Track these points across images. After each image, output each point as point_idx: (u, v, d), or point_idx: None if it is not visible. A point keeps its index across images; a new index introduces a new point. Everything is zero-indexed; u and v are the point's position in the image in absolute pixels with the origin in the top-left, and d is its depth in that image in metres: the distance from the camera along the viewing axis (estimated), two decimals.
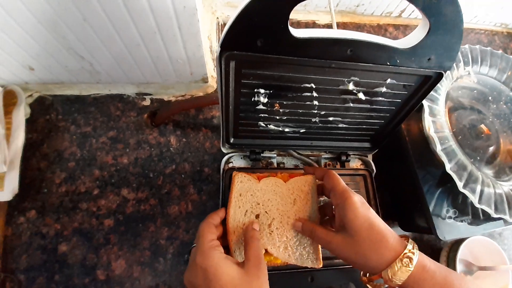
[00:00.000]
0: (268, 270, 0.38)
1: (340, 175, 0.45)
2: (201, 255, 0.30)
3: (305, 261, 0.37)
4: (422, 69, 0.33)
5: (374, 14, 0.75)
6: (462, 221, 0.47)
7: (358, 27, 0.75)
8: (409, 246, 0.30)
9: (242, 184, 0.39)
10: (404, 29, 0.78)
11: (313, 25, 0.72)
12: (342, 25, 0.74)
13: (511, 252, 0.65)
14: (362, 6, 0.72)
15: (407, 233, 0.58)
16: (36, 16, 0.39)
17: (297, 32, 0.28)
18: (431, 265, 0.30)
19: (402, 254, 0.29)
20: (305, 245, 0.38)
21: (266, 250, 0.37)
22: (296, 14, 0.72)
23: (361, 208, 0.31)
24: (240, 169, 0.45)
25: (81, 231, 0.48)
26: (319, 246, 0.38)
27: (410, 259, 0.29)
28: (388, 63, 0.32)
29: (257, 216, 0.38)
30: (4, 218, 0.47)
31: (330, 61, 0.31)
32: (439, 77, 0.34)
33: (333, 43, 0.29)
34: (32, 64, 0.48)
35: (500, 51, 0.55)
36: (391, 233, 0.31)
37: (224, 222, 0.38)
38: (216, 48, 0.28)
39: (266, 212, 0.38)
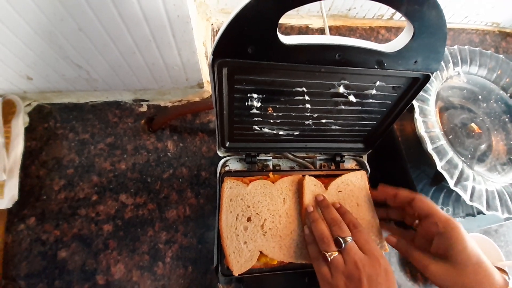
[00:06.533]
0: (265, 271, 0.40)
1: (335, 176, 0.46)
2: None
3: (299, 258, 0.39)
4: (409, 72, 0.34)
5: (366, 17, 0.76)
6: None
7: (351, 30, 0.76)
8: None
9: (231, 189, 0.40)
10: (396, 31, 0.79)
11: (306, 29, 0.73)
12: (335, 29, 0.75)
13: (508, 249, 0.65)
14: (354, 9, 0.73)
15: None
16: (32, 26, 0.39)
17: (286, 39, 0.29)
18: None
19: None
20: (298, 242, 0.39)
21: (261, 252, 0.38)
22: (290, 19, 0.73)
23: (470, 242, 0.32)
24: (235, 173, 0.46)
25: (80, 237, 0.49)
26: None
27: None
28: (376, 67, 0.33)
29: (249, 219, 0.39)
30: (4, 225, 0.48)
31: (320, 66, 0.32)
32: (426, 78, 0.35)
33: (321, 49, 0.30)
34: (29, 73, 0.48)
35: (489, 51, 0.56)
36: (497, 272, 0.31)
37: (217, 228, 0.39)
38: (209, 55, 0.29)
39: (257, 213, 0.39)
